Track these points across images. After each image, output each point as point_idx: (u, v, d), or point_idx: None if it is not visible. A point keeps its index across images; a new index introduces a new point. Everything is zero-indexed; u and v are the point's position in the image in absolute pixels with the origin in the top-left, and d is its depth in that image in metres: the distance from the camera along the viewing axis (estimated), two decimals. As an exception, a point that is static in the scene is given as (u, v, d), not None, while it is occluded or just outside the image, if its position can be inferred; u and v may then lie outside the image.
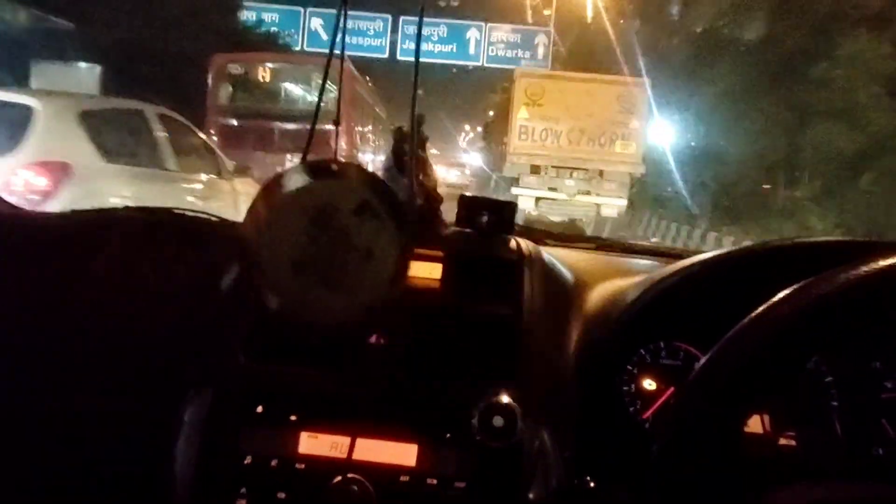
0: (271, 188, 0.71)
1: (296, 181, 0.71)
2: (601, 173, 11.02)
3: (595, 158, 10.99)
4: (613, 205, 11.10)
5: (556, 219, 10.77)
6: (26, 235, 1.13)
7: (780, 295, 0.55)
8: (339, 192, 0.70)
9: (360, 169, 0.72)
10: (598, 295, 1.03)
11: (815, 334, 0.53)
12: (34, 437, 0.94)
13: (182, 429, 0.86)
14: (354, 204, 0.70)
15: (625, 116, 10.93)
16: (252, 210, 0.71)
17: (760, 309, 0.55)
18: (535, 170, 11.11)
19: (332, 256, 0.70)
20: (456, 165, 25.05)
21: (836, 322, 0.53)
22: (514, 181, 11.28)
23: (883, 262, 0.53)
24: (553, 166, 11.07)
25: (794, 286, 0.55)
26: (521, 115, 11.09)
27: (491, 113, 14.60)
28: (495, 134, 13.82)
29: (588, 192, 11.03)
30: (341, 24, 0.94)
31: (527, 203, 10.79)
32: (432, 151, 1.19)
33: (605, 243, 1.41)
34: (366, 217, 0.70)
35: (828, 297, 0.53)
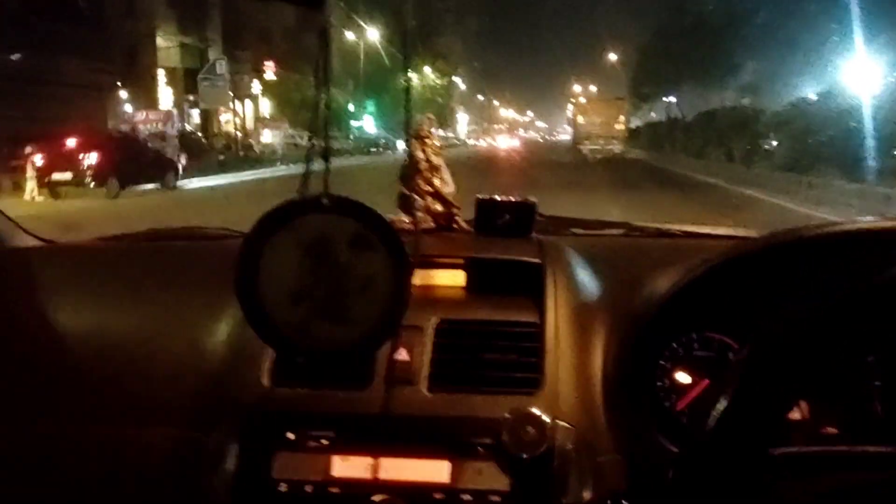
0: (266, 221, 0.70)
1: (289, 215, 0.70)
2: (612, 137, 29.55)
3: (608, 132, 29.83)
4: (617, 148, 29.58)
5: (598, 156, 29.08)
6: (52, 265, 1.20)
7: (823, 286, 0.52)
8: (333, 226, 0.69)
9: (352, 201, 0.70)
10: (626, 289, 1.00)
11: (869, 327, 0.51)
12: (68, 467, 0.94)
13: (215, 459, 0.87)
14: (349, 236, 0.69)
15: (618, 114, 30.04)
16: (247, 242, 0.70)
17: (808, 300, 0.53)
18: (586, 137, 29.95)
19: (329, 288, 0.70)
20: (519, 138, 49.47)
21: (889, 314, 0.50)
22: (576, 143, 30.09)
23: None
24: (593, 135, 29.81)
25: (839, 279, 0.52)
26: (578, 118, 30.70)
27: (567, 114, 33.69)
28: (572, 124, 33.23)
29: (606, 145, 29.54)
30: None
31: (585, 151, 29.29)
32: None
33: (634, 228, 1.37)
34: (361, 248, 0.69)
35: (881, 291, 0.50)
